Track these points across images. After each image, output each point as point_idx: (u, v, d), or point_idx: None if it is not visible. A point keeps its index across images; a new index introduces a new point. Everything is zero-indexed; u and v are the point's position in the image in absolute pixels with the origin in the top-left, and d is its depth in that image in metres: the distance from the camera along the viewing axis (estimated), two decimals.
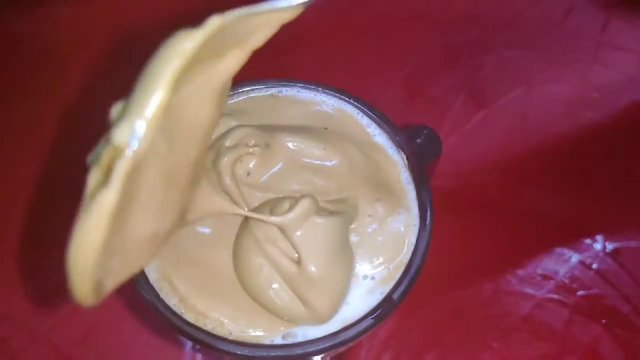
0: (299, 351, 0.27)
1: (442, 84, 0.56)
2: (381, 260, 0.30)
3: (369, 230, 0.30)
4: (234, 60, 0.22)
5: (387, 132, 0.34)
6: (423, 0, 0.62)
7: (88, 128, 0.52)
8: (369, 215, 0.30)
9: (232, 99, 0.35)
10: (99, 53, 0.57)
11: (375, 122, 0.34)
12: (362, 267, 0.30)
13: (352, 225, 0.30)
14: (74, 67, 0.57)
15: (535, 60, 0.58)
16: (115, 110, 0.19)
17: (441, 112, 0.54)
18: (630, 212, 0.49)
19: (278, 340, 0.28)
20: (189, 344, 0.43)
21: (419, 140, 0.34)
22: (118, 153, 0.18)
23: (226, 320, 0.28)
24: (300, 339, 0.28)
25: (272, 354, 0.27)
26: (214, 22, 0.19)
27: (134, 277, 0.28)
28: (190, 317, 0.28)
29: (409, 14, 0.60)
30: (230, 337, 0.28)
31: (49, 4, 0.60)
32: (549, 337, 0.44)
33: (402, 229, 0.31)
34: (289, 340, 0.28)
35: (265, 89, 0.35)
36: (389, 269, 0.30)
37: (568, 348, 0.43)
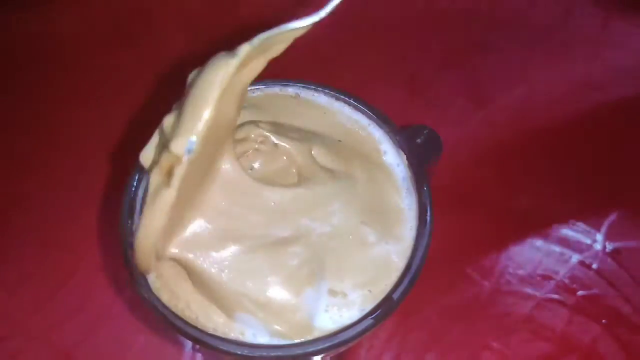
0: (298, 351, 0.27)
1: (442, 84, 0.56)
2: None
3: None
4: (254, 68, 0.25)
5: (387, 132, 0.34)
6: (423, 0, 0.62)
7: (88, 127, 0.52)
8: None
9: (252, 94, 0.35)
10: (99, 53, 0.57)
11: (375, 121, 0.34)
12: None
13: None
14: (74, 67, 0.57)
15: (535, 59, 0.58)
16: (167, 121, 0.24)
17: (441, 112, 0.54)
18: (630, 212, 0.49)
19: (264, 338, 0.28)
20: (189, 344, 0.43)
21: (419, 140, 0.34)
22: (176, 160, 0.23)
23: (222, 320, 0.28)
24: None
25: (272, 353, 0.27)
26: (244, 50, 0.23)
27: (133, 276, 0.28)
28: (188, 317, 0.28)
29: (409, 14, 0.60)
30: (228, 336, 0.28)
31: (49, 4, 0.60)
32: (549, 337, 0.43)
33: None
34: (288, 340, 0.28)
35: (285, 88, 0.35)
36: None
37: (568, 348, 0.43)
